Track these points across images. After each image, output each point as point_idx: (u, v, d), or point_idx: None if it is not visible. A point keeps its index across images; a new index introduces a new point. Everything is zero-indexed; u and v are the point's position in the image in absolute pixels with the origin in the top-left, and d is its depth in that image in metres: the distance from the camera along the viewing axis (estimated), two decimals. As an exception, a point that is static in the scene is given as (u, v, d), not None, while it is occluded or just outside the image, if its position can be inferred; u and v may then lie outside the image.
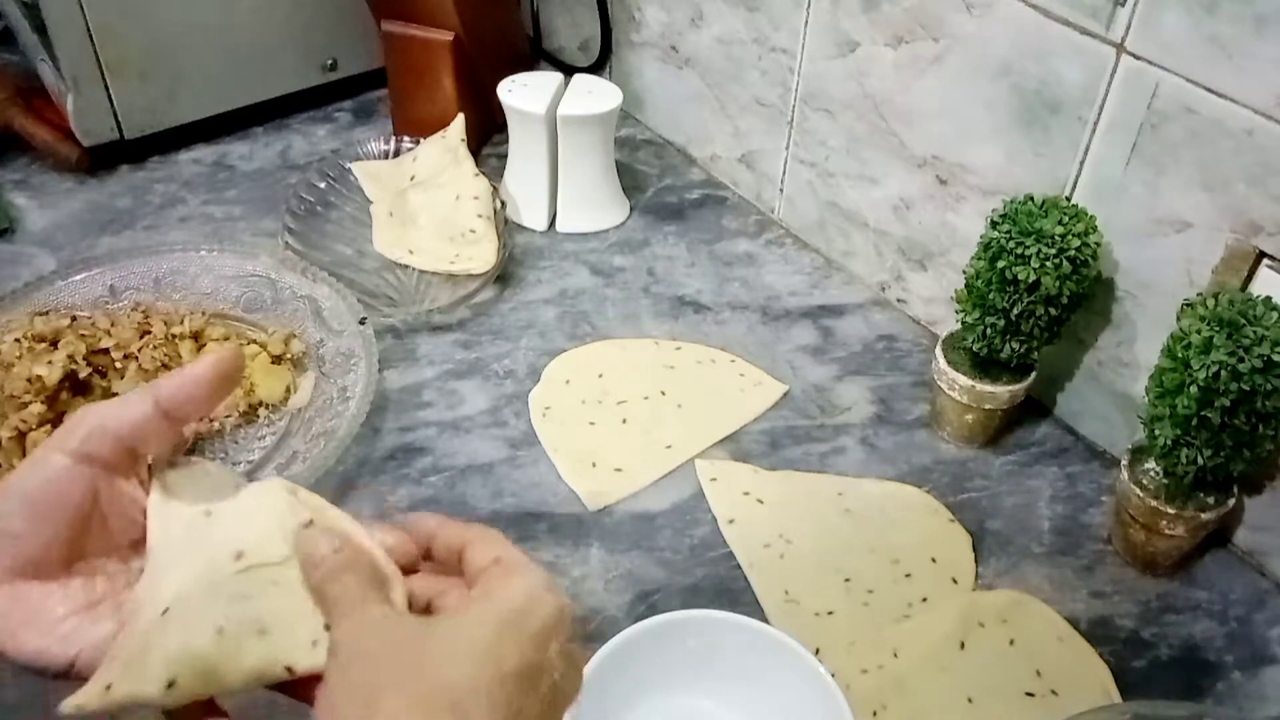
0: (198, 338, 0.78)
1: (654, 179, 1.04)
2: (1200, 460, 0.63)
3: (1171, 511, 0.66)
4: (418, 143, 0.99)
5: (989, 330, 0.71)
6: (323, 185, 0.96)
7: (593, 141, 0.93)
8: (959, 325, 0.74)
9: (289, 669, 0.37)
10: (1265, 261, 0.63)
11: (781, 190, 0.97)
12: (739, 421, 0.79)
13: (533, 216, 0.97)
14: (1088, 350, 0.76)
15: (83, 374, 0.74)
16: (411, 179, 0.95)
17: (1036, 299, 0.68)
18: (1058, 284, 0.67)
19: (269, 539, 0.39)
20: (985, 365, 0.74)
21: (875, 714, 0.61)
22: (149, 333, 0.78)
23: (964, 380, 0.74)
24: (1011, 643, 0.64)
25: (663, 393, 0.81)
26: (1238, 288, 0.65)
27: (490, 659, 0.35)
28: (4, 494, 0.39)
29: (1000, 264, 0.67)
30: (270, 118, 1.08)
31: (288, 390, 0.78)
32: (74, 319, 0.77)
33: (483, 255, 0.88)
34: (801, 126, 0.92)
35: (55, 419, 0.71)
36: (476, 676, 0.34)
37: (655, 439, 0.77)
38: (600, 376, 0.82)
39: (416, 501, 0.72)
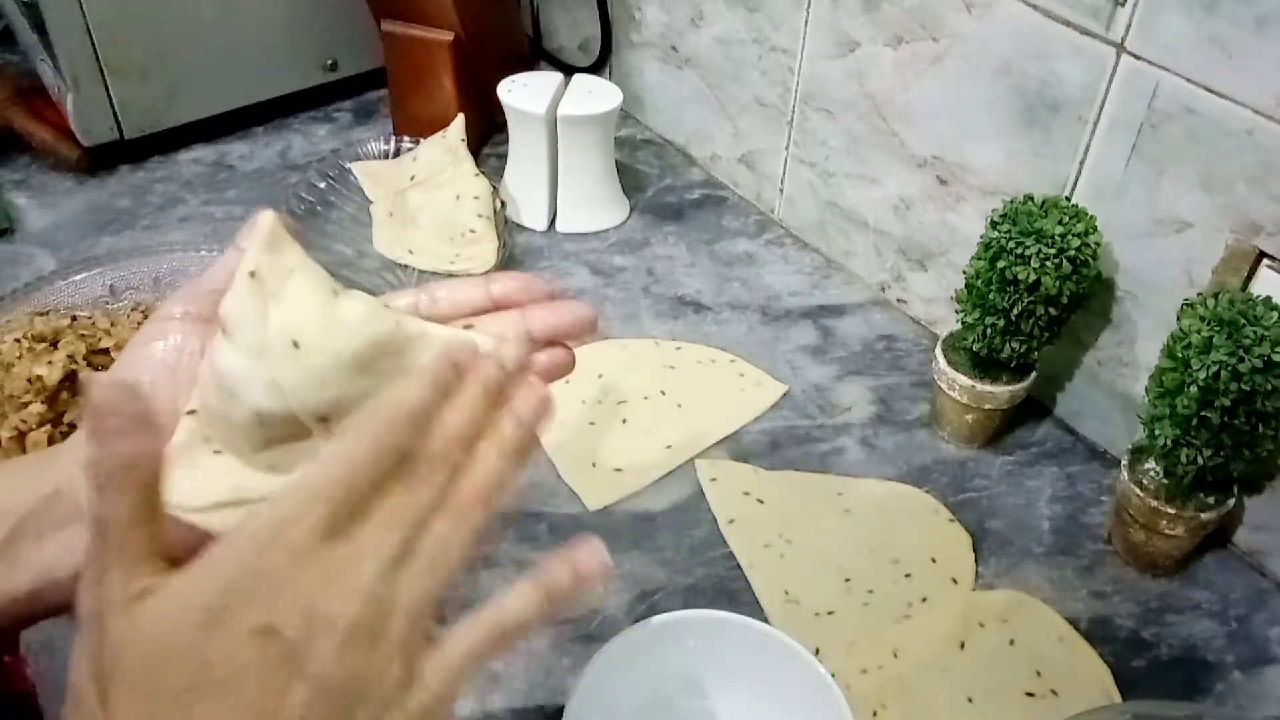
0: (198, 338, 0.78)
1: (654, 179, 1.04)
2: (1200, 460, 0.63)
3: (1171, 511, 0.66)
4: (418, 143, 0.99)
5: (989, 330, 0.71)
6: (323, 185, 0.96)
7: (593, 141, 0.93)
8: (959, 325, 0.74)
9: None
10: (1265, 261, 0.63)
11: (781, 190, 0.97)
12: (739, 421, 0.79)
13: (533, 216, 0.97)
14: (1088, 350, 0.76)
15: (83, 374, 0.74)
16: (411, 179, 0.95)
17: (1036, 299, 0.68)
18: (1058, 284, 0.67)
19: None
20: (985, 365, 0.74)
21: (875, 714, 0.61)
22: (149, 332, 0.78)
23: (964, 380, 0.74)
24: (1011, 643, 0.64)
25: (663, 393, 0.81)
26: (1238, 288, 0.65)
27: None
28: (115, 376, 0.40)
29: (1000, 264, 0.67)
30: (270, 118, 1.08)
31: (288, 390, 0.77)
32: (74, 319, 0.77)
33: (483, 255, 0.88)
34: (801, 126, 0.92)
35: (55, 419, 0.71)
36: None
37: (655, 439, 0.77)
38: (600, 376, 0.82)
39: (416, 501, 0.72)
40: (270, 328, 0.39)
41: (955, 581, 0.68)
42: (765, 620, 0.64)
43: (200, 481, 0.39)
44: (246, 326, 0.39)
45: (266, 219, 0.40)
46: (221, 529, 0.36)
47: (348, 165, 0.97)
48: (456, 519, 0.36)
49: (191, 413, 0.41)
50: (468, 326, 0.45)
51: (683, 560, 0.69)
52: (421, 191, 0.94)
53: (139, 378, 0.41)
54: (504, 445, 0.38)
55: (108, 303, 0.81)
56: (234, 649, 0.33)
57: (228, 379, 0.39)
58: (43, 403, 0.71)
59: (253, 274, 0.39)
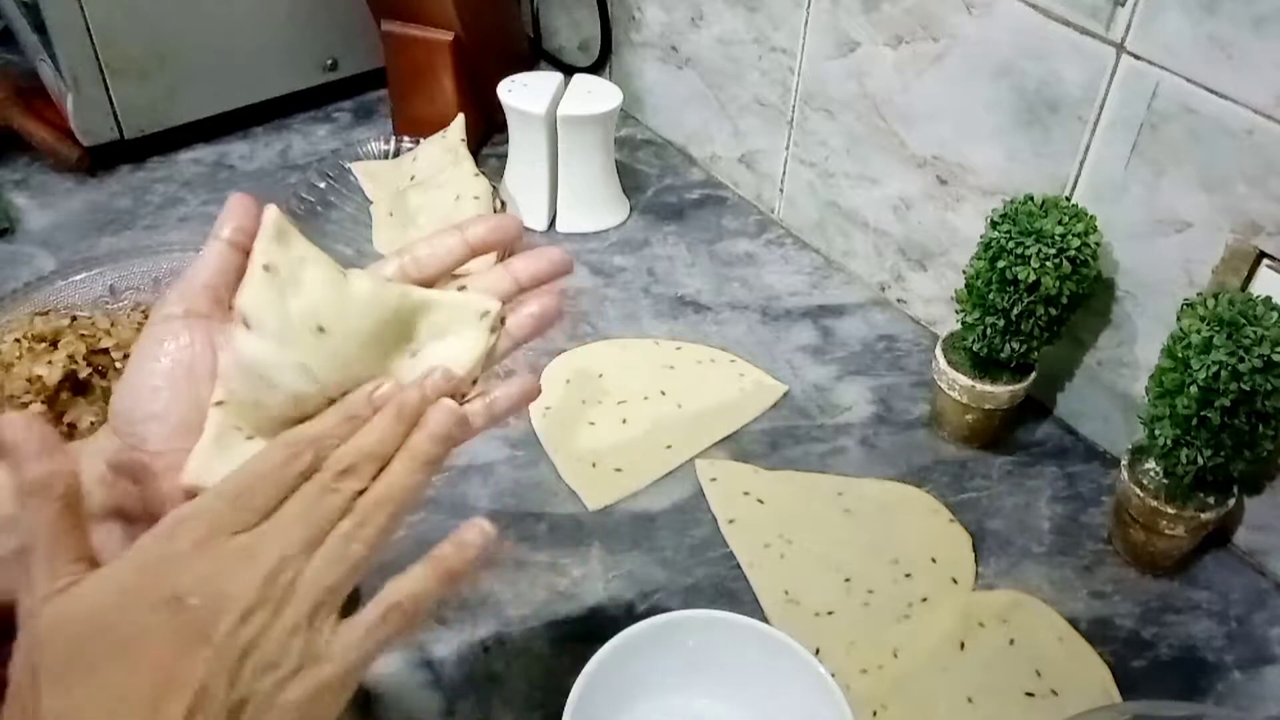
0: (198, 338, 0.78)
1: (654, 179, 1.04)
2: (1200, 460, 0.63)
3: (1171, 511, 0.66)
4: (418, 143, 0.99)
5: (989, 330, 0.71)
6: (323, 185, 0.96)
7: (593, 141, 0.93)
8: (959, 325, 0.74)
9: None
10: (1265, 261, 0.63)
11: (781, 190, 0.97)
12: (739, 421, 0.79)
13: (533, 217, 0.97)
14: (1088, 350, 0.76)
15: (83, 374, 0.74)
16: (411, 179, 0.95)
17: (1036, 299, 0.68)
18: (1058, 284, 0.67)
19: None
20: (985, 365, 0.74)
21: (875, 714, 0.61)
22: (149, 332, 0.78)
23: (964, 380, 0.74)
24: (1011, 643, 0.64)
25: (663, 393, 0.81)
26: (1238, 288, 0.65)
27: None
28: (132, 380, 0.44)
29: (1000, 264, 0.67)
30: (270, 118, 1.08)
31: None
32: (74, 319, 0.77)
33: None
34: (801, 126, 0.92)
35: (55, 419, 0.71)
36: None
37: (655, 439, 0.77)
38: (600, 376, 0.82)
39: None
40: (292, 316, 0.42)
41: (955, 581, 0.68)
42: (765, 620, 0.64)
43: (238, 466, 0.41)
44: (268, 317, 0.42)
45: (271, 213, 0.43)
46: None
47: (348, 165, 0.97)
48: (360, 519, 0.41)
49: (219, 404, 0.43)
50: (461, 289, 0.48)
51: (683, 560, 0.69)
52: (421, 191, 0.93)
53: (154, 382, 0.44)
54: (413, 456, 0.43)
55: (108, 303, 0.81)
56: (143, 617, 0.37)
57: (259, 368, 0.42)
58: (43, 403, 0.71)
59: (266, 267, 0.42)
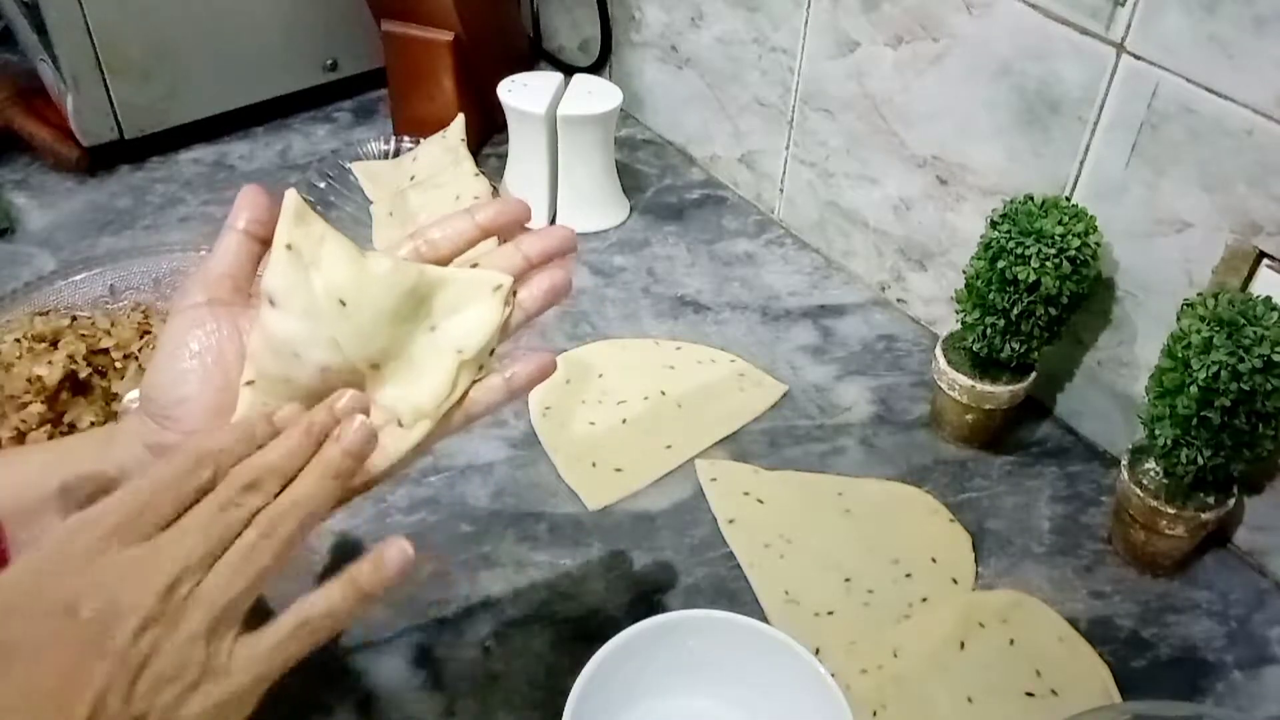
0: (198, 338, 0.78)
1: (654, 179, 1.04)
2: (1200, 460, 0.63)
3: (1171, 511, 0.66)
4: (418, 143, 0.99)
5: (989, 330, 0.71)
6: (323, 185, 0.96)
7: (593, 141, 0.93)
8: (959, 325, 0.74)
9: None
10: (1265, 261, 0.63)
11: (781, 190, 0.97)
12: (739, 421, 0.79)
13: (532, 217, 0.97)
14: (1088, 350, 0.76)
15: (83, 374, 0.74)
16: (411, 179, 0.95)
17: (1036, 299, 0.68)
18: (1058, 284, 0.67)
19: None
20: (985, 365, 0.74)
21: (875, 714, 0.61)
22: (149, 333, 0.78)
23: (964, 380, 0.74)
24: (1011, 643, 0.64)
25: (663, 393, 0.81)
26: (1238, 288, 0.65)
27: None
28: (162, 365, 0.45)
29: (1000, 264, 0.67)
30: (270, 118, 1.08)
31: (288, 390, 0.77)
32: (74, 319, 0.77)
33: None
34: (801, 126, 0.92)
35: (55, 419, 0.71)
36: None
37: (655, 439, 0.77)
38: (600, 376, 0.82)
39: (416, 501, 0.72)
40: (317, 292, 0.44)
41: (955, 581, 0.68)
42: (765, 620, 0.64)
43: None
44: (294, 294, 0.44)
45: (291, 197, 0.45)
46: None
47: (348, 165, 0.97)
48: (265, 530, 0.40)
49: (249, 384, 0.45)
50: (474, 265, 0.49)
51: (683, 560, 0.69)
52: (421, 191, 0.94)
53: (183, 366, 0.45)
54: (325, 467, 0.42)
55: (108, 303, 0.81)
56: (36, 626, 0.37)
57: (288, 343, 0.44)
58: (43, 403, 0.71)
59: (289, 247, 0.44)
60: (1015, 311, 0.69)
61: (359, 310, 0.45)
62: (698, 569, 0.69)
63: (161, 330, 0.47)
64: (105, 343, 0.75)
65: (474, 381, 0.48)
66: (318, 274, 0.44)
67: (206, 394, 0.45)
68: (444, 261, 0.50)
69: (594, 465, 0.75)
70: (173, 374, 0.45)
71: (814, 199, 0.94)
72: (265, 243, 0.47)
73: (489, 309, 0.48)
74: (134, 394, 0.73)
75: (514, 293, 0.49)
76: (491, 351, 0.49)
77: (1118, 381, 0.75)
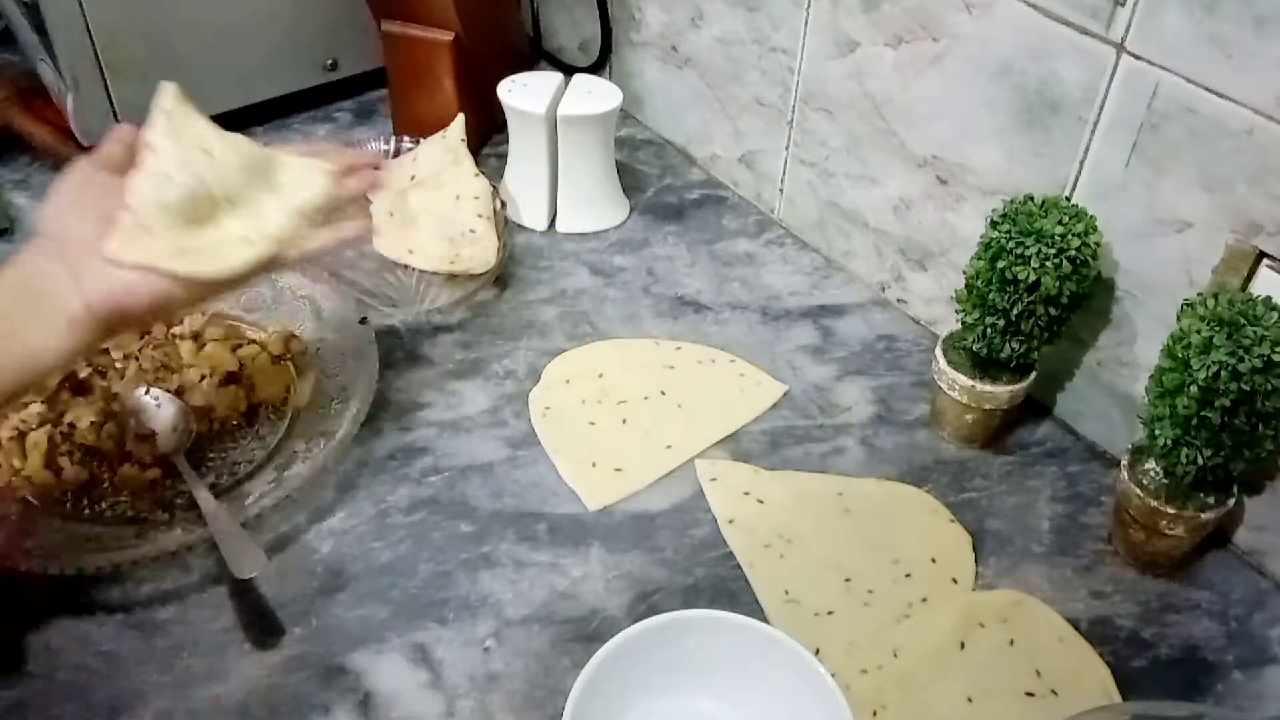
0: (197, 338, 0.78)
1: (654, 179, 1.04)
2: (1200, 460, 0.63)
3: (1171, 511, 0.66)
4: (418, 143, 0.99)
5: (989, 330, 0.71)
6: (323, 185, 0.96)
7: (593, 141, 0.93)
8: (959, 325, 0.74)
9: None
10: (1265, 261, 0.63)
11: (781, 190, 0.97)
12: (739, 421, 0.79)
13: (533, 216, 0.97)
14: (1088, 350, 0.76)
15: (83, 374, 0.74)
16: (411, 179, 0.95)
17: (1036, 299, 0.68)
18: (1058, 284, 0.67)
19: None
20: (985, 365, 0.74)
21: (875, 714, 0.61)
22: (149, 333, 0.78)
23: (964, 380, 0.74)
24: (1011, 643, 0.64)
25: (663, 393, 0.81)
26: (1238, 288, 0.65)
27: None
28: (58, 201, 0.59)
29: (1000, 264, 0.67)
30: (270, 118, 1.08)
31: (288, 390, 0.78)
32: (74, 319, 0.77)
33: (483, 255, 0.88)
34: (801, 126, 0.92)
35: (55, 419, 0.71)
36: None
37: (655, 439, 0.77)
38: (600, 376, 0.82)
39: (416, 501, 0.72)
40: (186, 140, 0.59)
41: (955, 581, 0.68)
42: (765, 620, 0.64)
43: (147, 247, 0.56)
44: (168, 144, 0.58)
45: (170, 86, 0.60)
46: (168, 268, 0.56)
47: (348, 165, 0.97)
48: None
49: (127, 210, 0.57)
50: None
51: (683, 560, 0.69)
52: (421, 191, 0.93)
53: (76, 200, 0.58)
54: None
55: (108, 303, 0.81)
56: None
57: (164, 170, 0.57)
58: (43, 403, 0.71)
59: (165, 112, 0.59)
60: (1015, 311, 0.69)
61: (220, 159, 0.59)
62: (698, 569, 0.69)
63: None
64: (105, 342, 0.75)
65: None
66: (188, 130, 0.59)
67: (91, 219, 0.56)
68: None
69: (594, 465, 0.75)
70: (65, 205, 0.58)
71: (814, 199, 0.94)
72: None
73: (319, 181, 0.62)
74: (134, 394, 0.73)
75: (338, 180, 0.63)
76: (322, 217, 0.62)
77: (1118, 381, 0.75)
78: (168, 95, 0.60)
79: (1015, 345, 0.71)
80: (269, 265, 0.60)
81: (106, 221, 0.56)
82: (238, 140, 0.61)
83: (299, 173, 0.62)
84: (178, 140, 0.59)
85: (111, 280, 0.55)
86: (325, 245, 0.62)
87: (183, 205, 0.58)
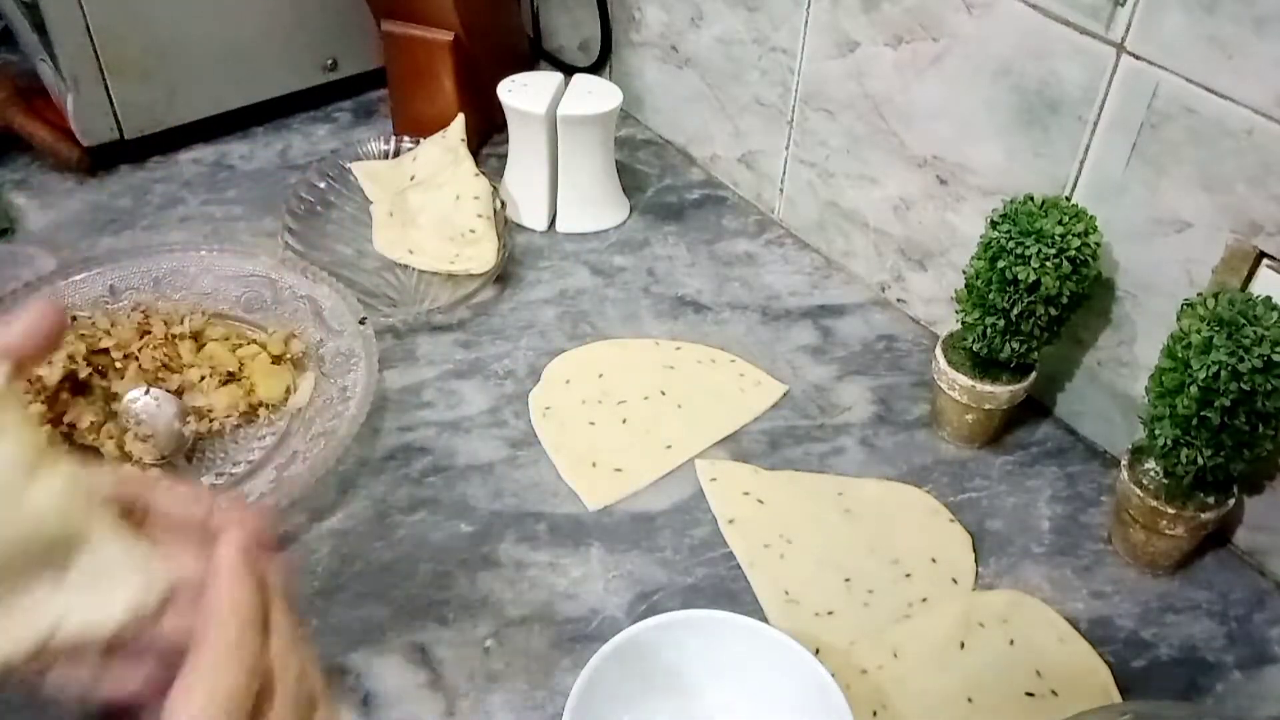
0: (198, 338, 0.78)
1: (654, 179, 1.04)
2: (1200, 460, 0.63)
3: (1171, 511, 0.66)
4: (418, 143, 0.99)
5: (989, 330, 0.71)
6: (323, 185, 0.96)
7: (593, 141, 0.93)
8: (959, 325, 0.74)
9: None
10: (1265, 261, 0.63)
11: (781, 190, 0.97)
12: (739, 421, 0.79)
13: (533, 216, 0.97)
14: (1088, 350, 0.76)
15: (83, 374, 0.74)
16: (411, 179, 0.95)
17: (1036, 299, 0.68)
18: (1058, 284, 0.67)
19: None
20: (985, 365, 0.74)
21: (875, 714, 0.61)
22: (149, 333, 0.78)
23: (964, 380, 0.74)
24: (1011, 643, 0.64)
25: (663, 393, 0.81)
26: (1238, 288, 0.65)
27: None
28: None
29: (1000, 264, 0.67)
30: (270, 118, 1.08)
31: (288, 390, 0.78)
32: (74, 319, 0.77)
33: (483, 255, 0.88)
34: (801, 126, 0.92)
35: (55, 419, 0.71)
36: None
37: (655, 439, 0.77)
38: (600, 376, 0.82)
39: (416, 501, 0.72)
40: None
41: (955, 581, 0.68)
42: (765, 620, 0.64)
43: None
44: None
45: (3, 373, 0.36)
46: None
47: (348, 165, 0.97)
48: None
49: None
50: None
51: (683, 560, 0.69)
52: (421, 191, 0.94)
53: None
54: None
55: (108, 303, 0.81)
56: None
57: None
58: (43, 403, 0.71)
59: None
60: (1015, 311, 0.69)
61: None
62: (698, 569, 0.69)
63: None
64: (105, 343, 0.75)
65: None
66: None
67: None
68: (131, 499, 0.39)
69: (594, 465, 0.75)
70: None
71: (814, 199, 0.94)
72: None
73: (121, 599, 0.36)
74: (133, 393, 0.73)
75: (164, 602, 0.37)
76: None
77: (1118, 381, 0.75)
78: None
79: (1015, 345, 0.71)
80: None
81: None
82: (45, 496, 0.34)
83: (104, 569, 0.35)
84: None
85: None
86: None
87: None
